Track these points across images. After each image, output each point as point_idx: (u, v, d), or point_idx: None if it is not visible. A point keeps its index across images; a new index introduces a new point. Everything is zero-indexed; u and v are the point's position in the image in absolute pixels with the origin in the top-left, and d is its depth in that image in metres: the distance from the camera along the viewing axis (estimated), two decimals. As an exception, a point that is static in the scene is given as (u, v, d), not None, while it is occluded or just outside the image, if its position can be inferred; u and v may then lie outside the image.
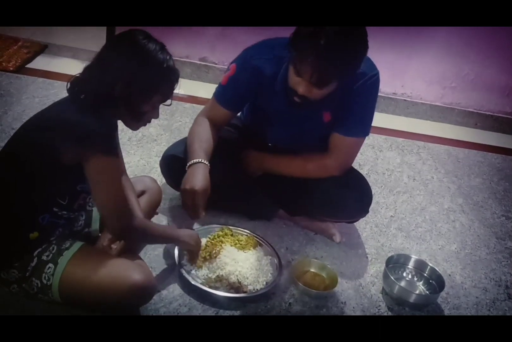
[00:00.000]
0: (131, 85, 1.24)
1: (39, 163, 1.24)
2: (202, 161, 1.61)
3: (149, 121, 1.38)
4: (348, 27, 1.41)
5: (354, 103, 1.65)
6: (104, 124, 1.23)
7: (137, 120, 1.35)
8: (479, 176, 2.70)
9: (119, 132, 1.52)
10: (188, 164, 1.62)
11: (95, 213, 1.51)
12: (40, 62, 2.86)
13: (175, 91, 1.35)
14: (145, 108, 1.31)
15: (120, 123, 1.39)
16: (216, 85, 1.80)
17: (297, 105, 1.59)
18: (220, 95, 1.75)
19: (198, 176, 1.57)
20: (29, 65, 2.82)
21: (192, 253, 1.56)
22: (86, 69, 1.27)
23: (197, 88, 3.06)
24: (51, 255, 1.30)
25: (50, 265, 1.28)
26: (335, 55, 1.40)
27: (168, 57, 1.29)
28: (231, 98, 1.74)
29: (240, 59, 1.70)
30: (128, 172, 1.61)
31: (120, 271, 1.29)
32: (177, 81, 1.34)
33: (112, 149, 1.23)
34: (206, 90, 2.98)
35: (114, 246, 1.42)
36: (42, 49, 2.98)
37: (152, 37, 1.30)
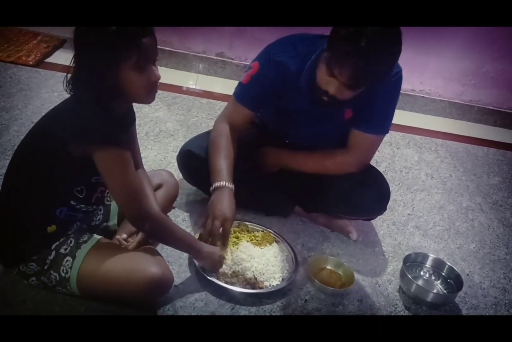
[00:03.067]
0: (93, 63, 1.17)
1: (53, 157, 1.24)
2: (227, 185, 1.59)
3: (155, 84, 1.26)
4: (386, 28, 1.38)
5: (376, 101, 1.63)
6: (103, 116, 1.20)
7: (136, 92, 1.25)
8: (499, 174, 2.66)
9: (136, 127, 1.53)
10: (213, 187, 1.60)
11: (113, 207, 1.52)
12: (59, 57, 2.88)
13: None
14: (127, 76, 1.20)
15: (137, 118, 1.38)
16: (232, 81, 1.78)
17: (322, 104, 1.57)
18: (242, 94, 1.72)
19: (226, 202, 1.55)
20: (48, 60, 2.83)
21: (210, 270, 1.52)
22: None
23: (213, 83, 3.07)
24: (69, 248, 1.31)
25: (68, 258, 1.29)
26: (376, 58, 1.38)
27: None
28: (254, 97, 1.70)
29: (263, 56, 1.67)
30: (145, 166, 1.61)
31: (137, 264, 1.29)
32: (142, 33, 1.18)
33: (114, 140, 1.20)
34: (223, 85, 3.01)
35: (131, 240, 1.43)
36: (61, 43, 3.01)
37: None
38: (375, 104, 1.65)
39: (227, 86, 2.85)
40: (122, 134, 1.26)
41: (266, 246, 1.67)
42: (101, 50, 1.16)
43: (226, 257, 1.55)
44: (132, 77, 1.21)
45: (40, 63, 2.76)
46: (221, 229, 1.52)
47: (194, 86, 3.00)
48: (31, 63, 2.72)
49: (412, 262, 1.77)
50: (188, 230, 1.77)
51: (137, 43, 1.18)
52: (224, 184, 1.59)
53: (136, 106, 1.42)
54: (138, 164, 1.53)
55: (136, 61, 1.19)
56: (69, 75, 1.22)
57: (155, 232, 1.34)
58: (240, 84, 1.73)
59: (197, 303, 1.46)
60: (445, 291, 1.72)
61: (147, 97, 1.29)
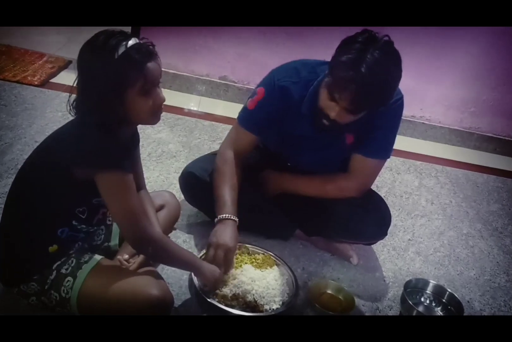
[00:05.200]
0: (99, 89, 1.18)
1: (55, 178, 1.25)
2: (232, 217, 1.61)
3: (160, 107, 1.28)
4: (388, 54, 1.41)
5: (378, 126, 1.65)
6: (107, 139, 1.20)
7: (142, 115, 1.26)
8: (498, 201, 2.67)
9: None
10: (217, 218, 1.61)
11: (115, 228, 1.52)
12: (64, 77, 2.91)
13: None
14: (132, 102, 1.21)
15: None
16: (234, 104, 1.80)
17: (323, 129, 1.59)
18: (247, 120, 1.73)
19: (229, 233, 1.57)
20: (53, 80, 2.87)
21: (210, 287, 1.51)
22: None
23: (216, 106, 3.10)
24: (70, 268, 1.30)
25: (69, 278, 1.28)
26: (376, 84, 1.40)
27: (117, 43, 1.16)
28: (259, 123, 1.72)
29: (267, 82, 1.69)
30: (147, 187, 1.61)
31: (138, 286, 1.28)
32: (147, 57, 1.20)
33: (117, 164, 1.20)
34: (225, 108, 3.04)
35: (132, 261, 1.42)
36: (66, 64, 3.05)
37: (110, 31, 1.20)
38: (377, 129, 1.66)
39: (230, 109, 2.89)
40: (126, 157, 1.26)
41: (266, 268, 1.66)
42: (107, 77, 1.17)
43: (226, 279, 1.54)
44: (138, 102, 1.22)
45: (45, 83, 2.79)
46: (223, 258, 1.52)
47: (196, 109, 3.03)
48: (36, 83, 2.76)
49: (413, 288, 1.76)
50: (189, 251, 1.76)
51: (142, 68, 1.19)
52: (228, 216, 1.61)
53: (139, 127, 1.43)
54: (141, 185, 1.54)
55: (142, 86, 1.20)
56: (72, 96, 1.23)
57: (155, 254, 1.34)
58: (245, 109, 1.74)
59: (197, 326, 1.45)
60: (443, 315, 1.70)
61: (153, 119, 1.31)
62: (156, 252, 1.32)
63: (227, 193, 1.66)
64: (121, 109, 1.22)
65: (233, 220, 1.61)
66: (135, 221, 1.24)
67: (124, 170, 1.22)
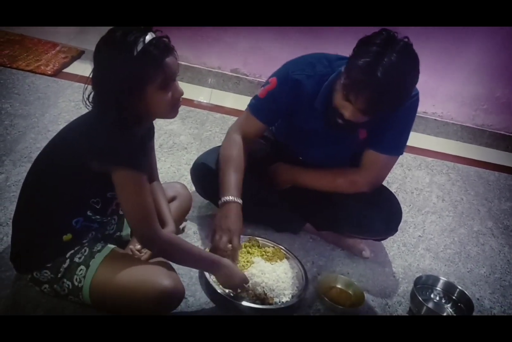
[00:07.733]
0: (120, 86, 1.17)
1: (72, 170, 1.25)
2: (235, 200, 1.60)
3: (178, 100, 1.28)
4: (405, 58, 1.40)
5: (392, 122, 1.63)
6: (125, 136, 1.20)
7: (161, 110, 1.26)
8: (510, 199, 2.66)
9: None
10: (221, 201, 1.60)
11: (127, 218, 1.52)
12: (77, 67, 2.92)
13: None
14: (152, 97, 1.21)
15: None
16: (246, 97, 1.79)
17: (337, 126, 1.58)
18: (257, 108, 1.73)
19: (233, 217, 1.56)
20: (66, 70, 2.87)
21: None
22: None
23: (227, 98, 3.10)
24: (83, 257, 1.31)
25: (82, 267, 1.29)
26: (392, 89, 1.39)
27: (135, 39, 1.15)
28: (268, 112, 1.72)
29: (281, 72, 1.68)
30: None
31: (149, 276, 1.28)
32: (165, 52, 1.19)
33: (134, 163, 1.20)
34: (237, 101, 3.04)
35: (144, 251, 1.43)
36: (79, 54, 3.05)
37: (125, 28, 1.18)
38: (391, 125, 1.65)
39: (241, 101, 2.86)
40: (141, 156, 1.26)
41: (276, 262, 1.66)
42: (127, 74, 1.16)
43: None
44: (157, 97, 1.22)
45: (58, 73, 2.79)
46: (229, 244, 1.52)
47: (208, 101, 3.02)
48: (49, 72, 2.76)
49: (423, 284, 1.76)
50: (199, 243, 1.77)
51: (162, 64, 1.18)
52: (232, 199, 1.60)
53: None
54: (154, 176, 1.54)
55: (162, 81, 1.20)
56: (88, 88, 1.21)
57: (163, 254, 1.34)
58: (256, 97, 1.74)
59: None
60: (455, 315, 1.70)
61: (171, 113, 1.31)
62: (164, 252, 1.32)
63: (231, 176, 1.65)
64: (141, 105, 1.22)
65: (236, 202, 1.60)
66: (145, 221, 1.24)
67: (139, 170, 1.21)
